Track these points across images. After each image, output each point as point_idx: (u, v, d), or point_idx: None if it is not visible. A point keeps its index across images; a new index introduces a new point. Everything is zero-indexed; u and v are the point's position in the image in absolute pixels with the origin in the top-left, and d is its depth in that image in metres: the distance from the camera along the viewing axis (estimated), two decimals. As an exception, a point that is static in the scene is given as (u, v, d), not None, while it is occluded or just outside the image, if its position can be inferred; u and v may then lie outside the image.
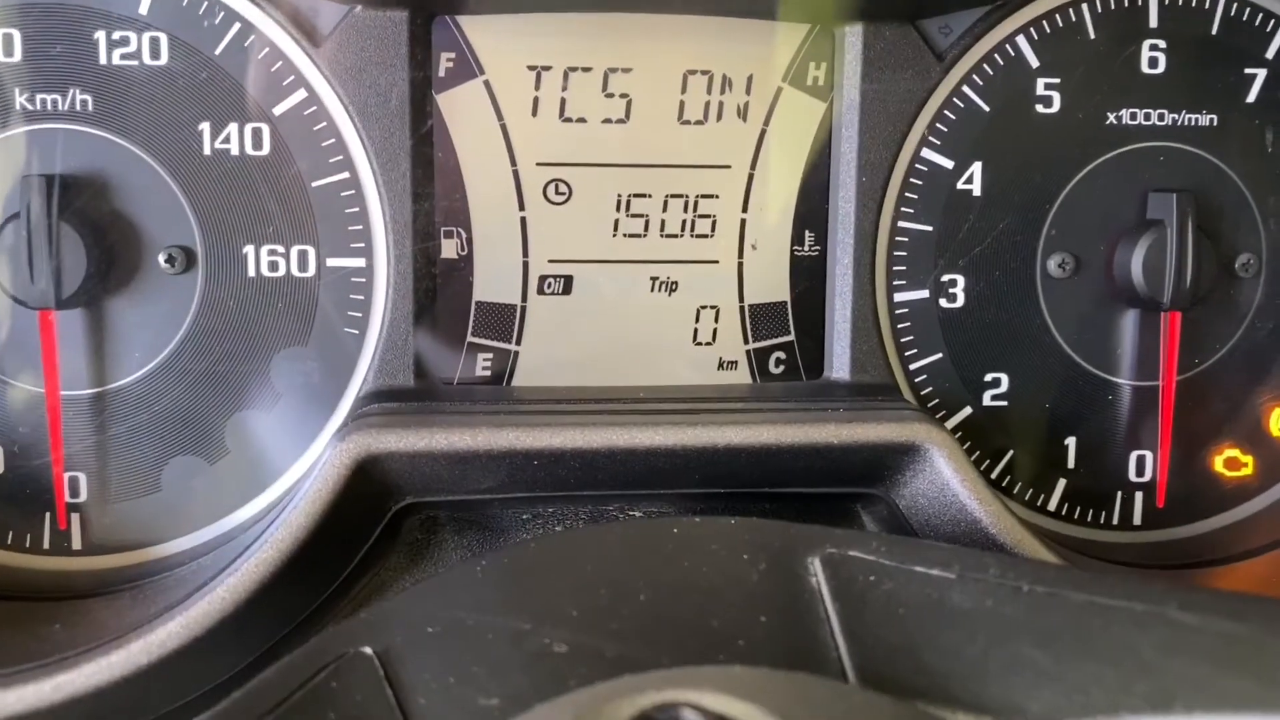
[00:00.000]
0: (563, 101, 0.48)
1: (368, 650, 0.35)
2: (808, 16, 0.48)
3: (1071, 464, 0.53)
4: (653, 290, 0.51)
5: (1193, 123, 0.50)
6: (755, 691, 0.33)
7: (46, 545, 0.47)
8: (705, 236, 0.50)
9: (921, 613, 0.39)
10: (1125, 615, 0.38)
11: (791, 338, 0.51)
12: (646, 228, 0.50)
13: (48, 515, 0.46)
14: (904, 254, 0.49)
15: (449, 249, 0.49)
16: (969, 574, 0.39)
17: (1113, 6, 0.51)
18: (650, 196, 0.50)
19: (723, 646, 0.36)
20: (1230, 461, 0.53)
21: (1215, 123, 0.50)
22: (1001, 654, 0.37)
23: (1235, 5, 0.51)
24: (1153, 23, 0.49)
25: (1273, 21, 0.50)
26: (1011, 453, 0.53)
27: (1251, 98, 0.51)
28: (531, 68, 0.47)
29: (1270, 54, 0.51)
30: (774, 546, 0.40)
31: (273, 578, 0.43)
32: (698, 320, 0.52)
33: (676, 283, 0.51)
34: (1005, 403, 0.52)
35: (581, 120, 0.49)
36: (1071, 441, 0.53)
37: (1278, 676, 0.35)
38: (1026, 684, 0.37)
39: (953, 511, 0.43)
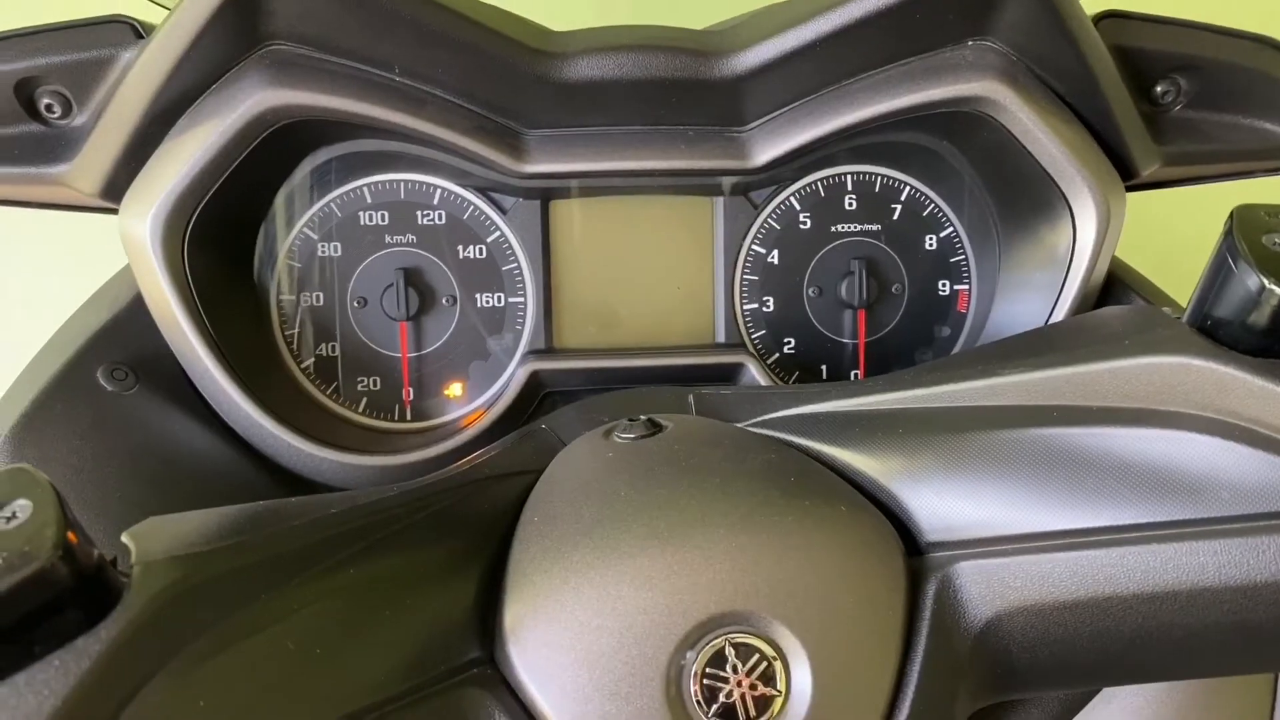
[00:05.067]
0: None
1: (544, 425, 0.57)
2: (707, 194, 0.85)
3: (824, 377, 0.88)
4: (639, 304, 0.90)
5: (871, 228, 0.86)
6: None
7: (397, 416, 0.83)
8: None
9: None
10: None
11: (711, 323, 0.86)
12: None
13: (396, 405, 0.83)
14: (746, 289, 0.86)
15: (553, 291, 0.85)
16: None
17: (833, 184, 0.87)
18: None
19: None
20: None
21: (880, 228, 0.85)
22: None
23: (884, 179, 0.87)
24: (849, 187, 0.85)
25: (898, 182, 0.86)
26: (796, 374, 0.87)
27: (895, 217, 0.87)
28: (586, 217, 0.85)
29: (903, 198, 0.86)
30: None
31: (497, 423, 0.79)
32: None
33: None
34: (794, 352, 0.87)
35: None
36: (824, 368, 0.89)
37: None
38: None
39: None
